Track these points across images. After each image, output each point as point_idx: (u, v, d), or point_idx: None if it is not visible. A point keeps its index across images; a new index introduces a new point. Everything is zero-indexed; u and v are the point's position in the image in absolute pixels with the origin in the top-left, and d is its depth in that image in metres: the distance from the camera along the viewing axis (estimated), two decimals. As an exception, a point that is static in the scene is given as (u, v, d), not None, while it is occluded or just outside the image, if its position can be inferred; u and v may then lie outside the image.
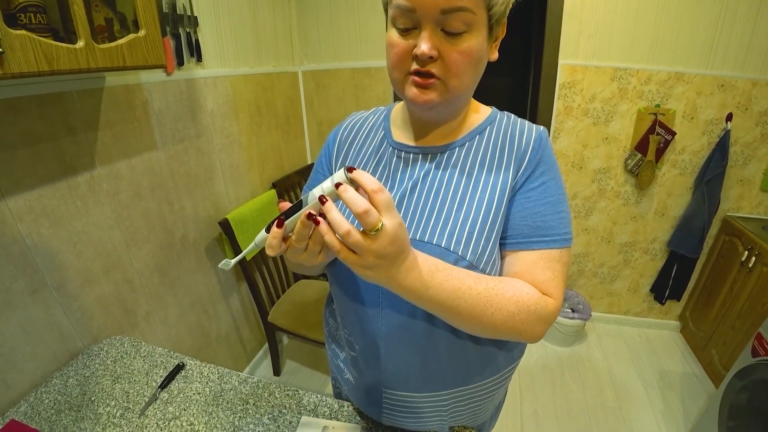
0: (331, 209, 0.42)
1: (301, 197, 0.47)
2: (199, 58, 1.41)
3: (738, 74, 1.72)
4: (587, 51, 1.78)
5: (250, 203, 1.74)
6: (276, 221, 0.46)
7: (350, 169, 0.43)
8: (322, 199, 0.43)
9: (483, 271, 0.58)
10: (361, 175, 0.42)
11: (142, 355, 1.06)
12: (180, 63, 1.33)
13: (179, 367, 1.00)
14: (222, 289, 1.71)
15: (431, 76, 0.53)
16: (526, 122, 0.65)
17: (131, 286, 1.25)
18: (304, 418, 0.79)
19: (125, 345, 1.10)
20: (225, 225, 1.57)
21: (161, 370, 1.00)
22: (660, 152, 1.87)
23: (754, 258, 1.70)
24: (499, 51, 0.59)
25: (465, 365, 0.67)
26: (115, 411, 0.90)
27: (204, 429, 0.84)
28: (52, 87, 0.97)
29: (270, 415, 0.86)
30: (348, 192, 0.41)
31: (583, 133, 1.94)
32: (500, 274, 0.62)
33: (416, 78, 0.53)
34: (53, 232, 1.01)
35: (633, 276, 2.22)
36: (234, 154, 1.68)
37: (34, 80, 0.91)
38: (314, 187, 0.75)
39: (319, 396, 0.89)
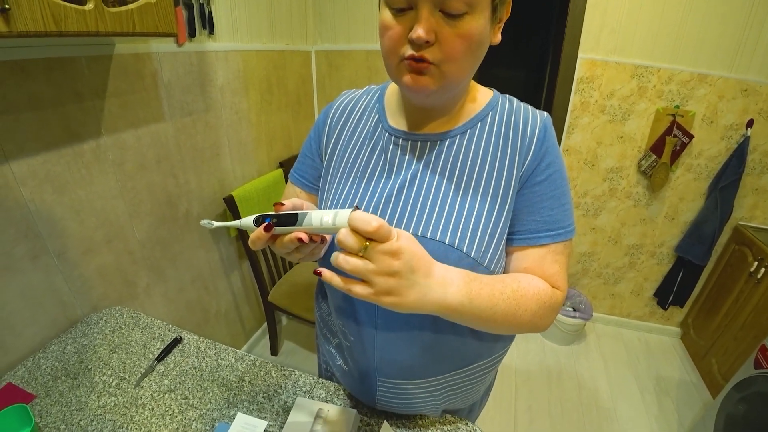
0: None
1: (298, 212, 0.48)
2: (212, 31, 1.38)
3: (763, 80, 1.66)
4: (608, 46, 1.73)
5: (256, 181, 1.73)
6: (265, 224, 0.48)
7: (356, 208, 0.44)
8: (300, 239, 0.47)
9: (488, 269, 0.57)
10: (356, 221, 0.41)
11: (141, 326, 1.06)
12: (191, 34, 1.30)
13: (177, 341, 1.00)
14: (223, 266, 1.71)
15: (426, 60, 0.48)
16: (529, 108, 0.62)
17: (132, 258, 1.25)
18: (299, 399, 0.79)
19: (124, 316, 1.10)
20: (230, 201, 1.56)
21: (159, 343, 1.00)
22: (675, 155, 1.83)
23: (763, 269, 1.66)
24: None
25: (462, 354, 0.66)
26: (111, 380, 0.90)
27: (198, 404, 0.84)
28: (60, 51, 0.95)
29: (265, 394, 0.86)
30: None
31: (598, 130, 1.90)
32: (505, 270, 0.62)
33: (411, 63, 0.49)
34: (56, 199, 1.00)
35: (637, 279, 2.20)
36: (242, 131, 1.66)
37: (41, 42, 0.89)
38: (302, 173, 0.74)
39: (315, 378, 0.89)
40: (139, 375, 0.91)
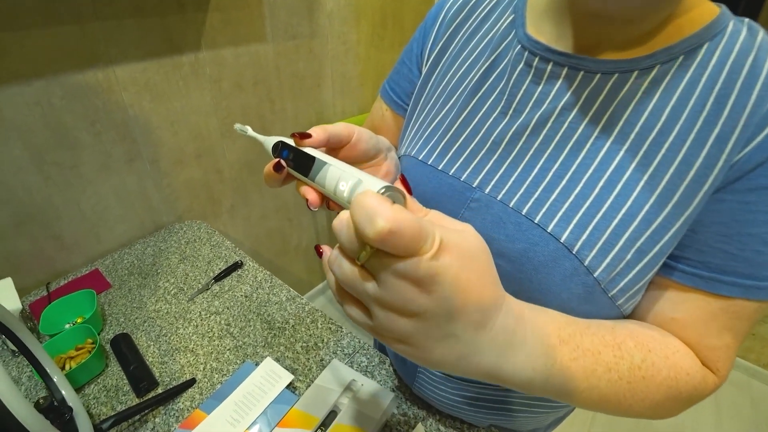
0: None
1: (316, 157, 0.32)
2: (327, -53, 1.26)
3: None
4: None
5: (356, 119, 1.64)
6: (276, 161, 0.34)
7: (402, 184, 0.29)
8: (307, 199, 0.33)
9: (613, 303, 0.36)
10: (356, 210, 0.21)
11: (212, 243, 1.09)
12: (305, -51, 1.20)
13: (237, 265, 1.00)
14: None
15: None
16: None
17: (220, 177, 1.28)
18: (334, 362, 0.71)
19: (201, 230, 1.14)
20: (322, 136, 1.51)
21: (222, 263, 1.02)
22: None
23: None
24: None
25: None
26: (171, 288, 0.93)
27: (238, 334, 0.82)
28: (166, -45, 0.92)
29: (304, 344, 0.81)
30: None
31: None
32: (641, 312, 0.39)
33: None
34: (153, 107, 1.03)
35: (801, 323, 1.68)
36: (348, 64, 1.57)
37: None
38: (395, 84, 0.55)
39: (360, 342, 0.81)
40: (196, 290, 0.93)
